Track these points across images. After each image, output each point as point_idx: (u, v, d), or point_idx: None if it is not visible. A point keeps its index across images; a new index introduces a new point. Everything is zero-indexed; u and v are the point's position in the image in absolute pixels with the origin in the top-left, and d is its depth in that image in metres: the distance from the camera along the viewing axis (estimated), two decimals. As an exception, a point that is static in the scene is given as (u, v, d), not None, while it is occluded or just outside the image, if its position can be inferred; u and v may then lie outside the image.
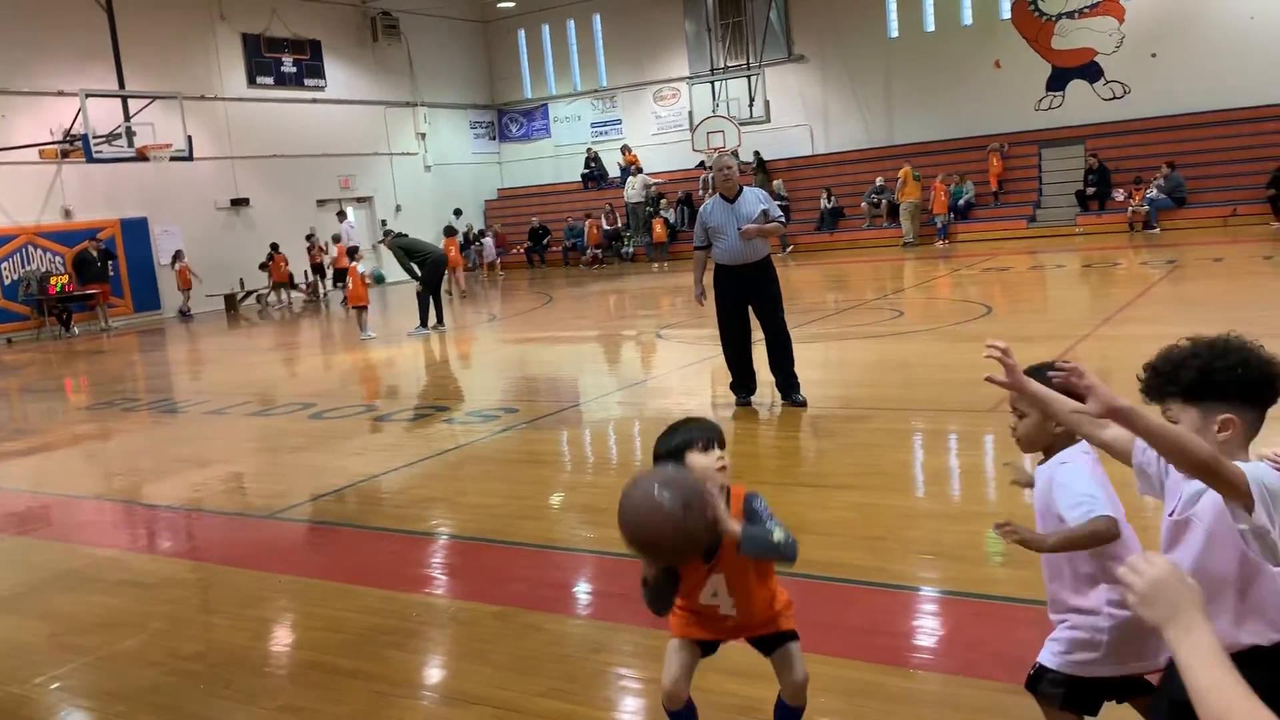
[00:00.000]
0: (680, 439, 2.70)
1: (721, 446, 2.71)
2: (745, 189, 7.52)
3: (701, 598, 2.73)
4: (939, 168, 22.50)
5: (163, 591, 4.91)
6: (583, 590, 4.58)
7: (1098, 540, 2.35)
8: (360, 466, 7.02)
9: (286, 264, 22.88)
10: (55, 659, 4.13)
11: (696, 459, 2.66)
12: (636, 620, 4.03)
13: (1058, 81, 22.70)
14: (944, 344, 9.99)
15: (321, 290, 23.47)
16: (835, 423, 7.09)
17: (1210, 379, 1.95)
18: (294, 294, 23.36)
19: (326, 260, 23.32)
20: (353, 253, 15.31)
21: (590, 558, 4.93)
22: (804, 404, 7.47)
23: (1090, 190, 21.18)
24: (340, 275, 22.71)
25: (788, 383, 7.56)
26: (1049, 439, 2.50)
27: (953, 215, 22.22)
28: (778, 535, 2.62)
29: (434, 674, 3.87)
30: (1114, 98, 22.21)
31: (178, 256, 21.68)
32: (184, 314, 21.76)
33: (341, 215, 23.82)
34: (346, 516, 5.98)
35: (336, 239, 22.69)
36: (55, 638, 4.37)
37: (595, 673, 3.64)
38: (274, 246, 22.74)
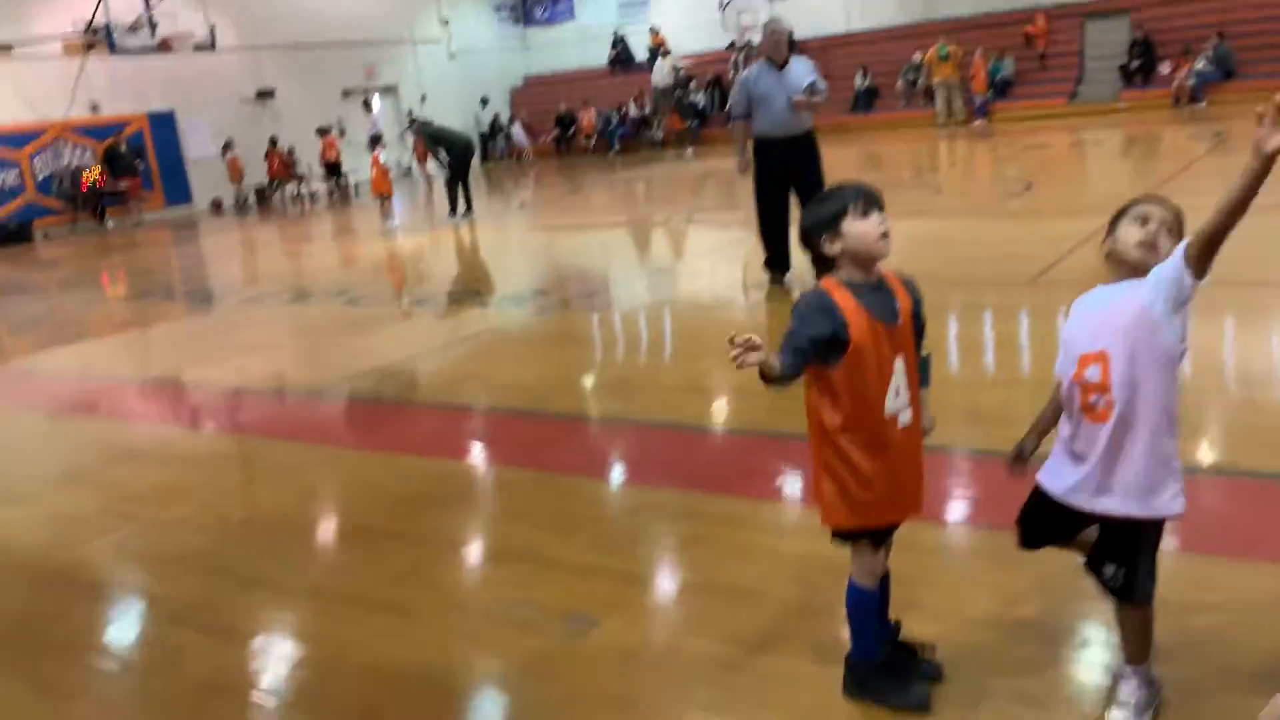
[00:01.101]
0: (833, 206, 2.27)
1: (881, 209, 2.29)
2: (793, 57, 7.30)
3: (887, 402, 2.27)
4: (977, 43, 21.75)
5: (210, 465, 5.04)
6: (618, 457, 4.64)
7: None
8: (396, 348, 7.09)
9: (282, 159, 22.19)
10: (109, 525, 4.27)
11: (855, 226, 2.25)
12: (672, 483, 4.10)
13: (1104, -52, 21.71)
14: (982, 220, 9.83)
15: (350, 183, 22.59)
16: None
17: None
18: (291, 188, 22.61)
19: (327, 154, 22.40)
20: (375, 141, 15.17)
21: (625, 427, 4.98)
22: None
23: (1135, 64, 20.43)
24: (331, 169, 22.29)
25: None
26: None
27: (992, 93, 21.58)
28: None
29: (476, 534, 3.96)
30: (1163, -36, 21.22)
31: (228, 146, 21.54)
32: (238, 205, 21.64)
33: (368, 105, 23.51)
34: (385, 393, 6.07)
35: (324, 132, 21.96)
36: (109, 506, 4.51)
37: (635, 531, 3.71)
38: (272, 141, 22.11)
